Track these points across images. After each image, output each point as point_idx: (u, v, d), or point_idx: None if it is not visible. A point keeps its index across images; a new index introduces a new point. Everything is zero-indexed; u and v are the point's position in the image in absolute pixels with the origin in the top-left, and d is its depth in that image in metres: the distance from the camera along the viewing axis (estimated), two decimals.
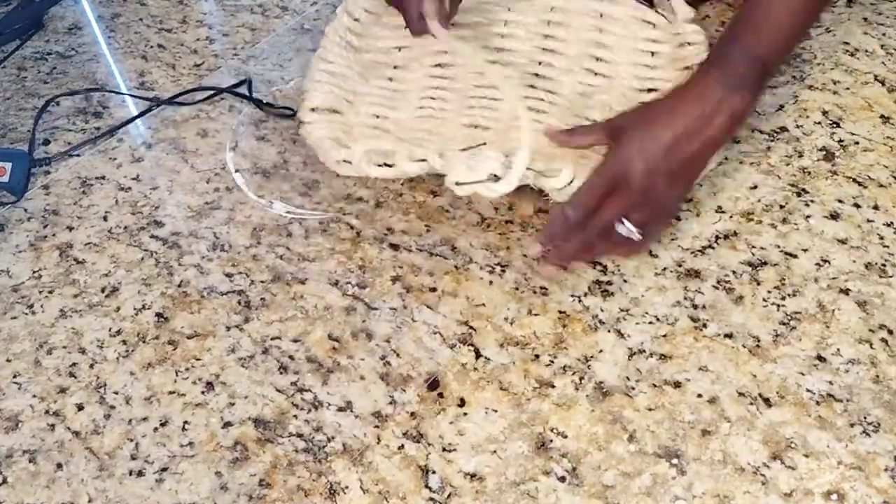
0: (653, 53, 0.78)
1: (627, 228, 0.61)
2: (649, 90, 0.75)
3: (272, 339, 0.63)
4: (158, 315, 0.66)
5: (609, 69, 0.78)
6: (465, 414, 0.58)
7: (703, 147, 0.63)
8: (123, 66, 0.92)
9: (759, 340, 0.60)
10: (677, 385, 0.58)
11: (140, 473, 0.56)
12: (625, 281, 0.65)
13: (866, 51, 0.85)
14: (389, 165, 0.70)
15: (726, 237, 0.67)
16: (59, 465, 0.56)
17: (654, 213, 0.63)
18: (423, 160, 0.68)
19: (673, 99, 0.64)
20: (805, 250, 0.66)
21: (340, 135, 0.73)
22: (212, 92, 0.86)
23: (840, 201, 0.69)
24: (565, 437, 0.56)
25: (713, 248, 0.67)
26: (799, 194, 0.70)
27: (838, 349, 0.60)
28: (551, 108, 0.75)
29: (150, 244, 0.72)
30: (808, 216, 0.69)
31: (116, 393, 0.61)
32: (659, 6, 0.74)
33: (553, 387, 0.59)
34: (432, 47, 0.79)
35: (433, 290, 0.66)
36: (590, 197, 0.62)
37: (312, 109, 0.75)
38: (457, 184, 0.65)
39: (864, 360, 0.59)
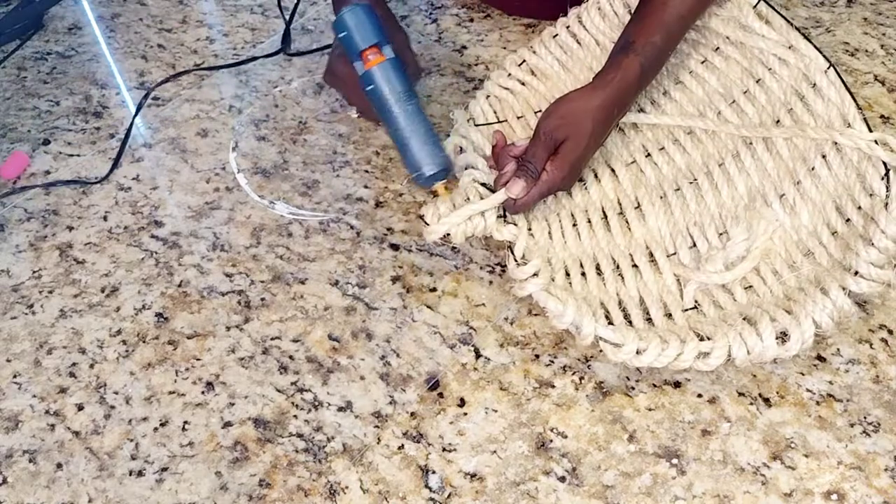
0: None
1: None
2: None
3: (272, 339, 0.63)
4: (158, 315, 0.66)
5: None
6: (465, 414, 0.58)
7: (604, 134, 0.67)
8: (123, 66, 0.92)
9: None
10: (677, 385, 0.58)
11: (140, 473, 0.56)
12: None
13: (866, 51, 0.85)
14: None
15: None
16: (59, 465, 0.56)
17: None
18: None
19: (597, 100, 0.64)
20: None
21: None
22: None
23: None
24: (565, 437, 0.56)
25: None
26: None
27: (838, 349, 0.60)
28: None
29: (150, 244, 0.72)
30: None
31: (116, 393, 0.60)
32: None
33: (553, 387, 0.59)
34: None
35: (433, 290, 0.66)
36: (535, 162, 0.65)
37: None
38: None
39: (864, 360, 0.59)
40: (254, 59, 0.91)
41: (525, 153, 0.65)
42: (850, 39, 0.86)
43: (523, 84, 0.82)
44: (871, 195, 0.57)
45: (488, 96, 0.82)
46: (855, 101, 0.60)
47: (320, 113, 0.84)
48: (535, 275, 0.61)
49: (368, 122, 0.81)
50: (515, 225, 0.65)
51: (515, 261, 0.62)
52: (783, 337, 0.54)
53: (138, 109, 0.85)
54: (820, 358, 0.59)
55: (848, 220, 0.58)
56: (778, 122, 0.65)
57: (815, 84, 0.63)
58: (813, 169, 0.61)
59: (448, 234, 0.64)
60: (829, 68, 0.62)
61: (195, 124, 0.84)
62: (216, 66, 0.90)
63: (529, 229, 0.67)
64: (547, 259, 0.65)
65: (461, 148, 0.72)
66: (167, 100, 0.87)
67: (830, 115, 0.61)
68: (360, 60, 0.68)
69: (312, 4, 1.00)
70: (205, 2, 1.03)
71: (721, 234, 0.64)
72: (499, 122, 0.79)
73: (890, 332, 0.61)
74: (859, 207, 0.58)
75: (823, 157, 0.61)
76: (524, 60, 0.84)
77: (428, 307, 0.65)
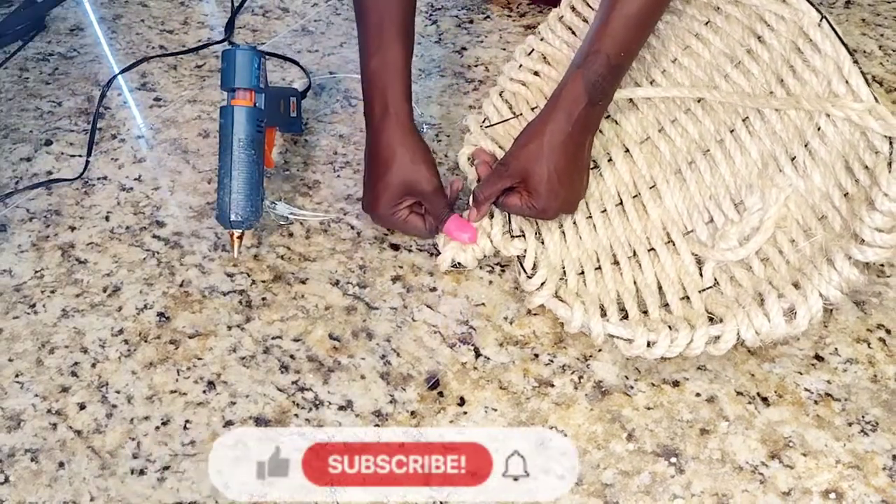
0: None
1: None
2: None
3: (273, 338, 0.64)
4: (160, 314, 0.66)
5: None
6: (465, 413, 0.58)
7: (581, 160, 0.66)
8: (125, 67, 0.92)
9: None
10: (676, 384, 0.59)
11: (142, 472, 0.56)
12: None
13: (864, 52, 0.85)
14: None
15: None
16: (61, 464, 0.57)
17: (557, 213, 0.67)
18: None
19: (549, 128, 0.63)
20: None
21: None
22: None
23: None
24: (565, 435, 0.56)
25: None
26: None
27: (836, 349, 0.60)
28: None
29: (151, 244, 0.72)
30: None
31: (118, 392, 0.61)
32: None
33: (552, 386, 0.59)
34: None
35: (433, 290, 0.66)
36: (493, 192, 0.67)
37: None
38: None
39: (862, 359, 0.59)
40: (205, 45, 0.95)
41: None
42: (849, 40, 0.86)
43: (536, 74, 0.82)
44: (876, 153, 0.56)
45: (502, 92, 0.82)
46: (850, 52, 0.59)
47: (321, 113, 0.84)
48: (544, 283, 0.62)
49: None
50: (522, 237, 0.66)
51: (525, 272, 0.63)
52: (793, 314, 0.54)
53: (101, 98, 0.87)
54: (818, 357, 0.60)
55: (857, 180, 0.57)
56: (782, 81, 0.64)
57: (811, 39, 0.62)
58: (819, 129, 0.61)
59: (459, 263, 0.66)
60: (821, 20, 0.61)
61: (197, 125, 0.84)
62: (171, 52, 0.93)
63: (539, 235, 0.67)
64: (560, 262, 0.65)
65: (474, 159, 0.73)
66: (169, 101, 0.87)
67: (828, 70, 0.61)
68: (231, 94, 0.68)
69: (313, 6, 1.00)
70: (206, 3, 1.04)
71: (737, 204, 0.64)
72: (514, 116, 0.78)
73: (888, 331, 0.61)
74: (866, 167, 0.57)
75: (827, 115, 0.60)
76: (533, 49, 0.83)
77: (428, 307, 0.65)
